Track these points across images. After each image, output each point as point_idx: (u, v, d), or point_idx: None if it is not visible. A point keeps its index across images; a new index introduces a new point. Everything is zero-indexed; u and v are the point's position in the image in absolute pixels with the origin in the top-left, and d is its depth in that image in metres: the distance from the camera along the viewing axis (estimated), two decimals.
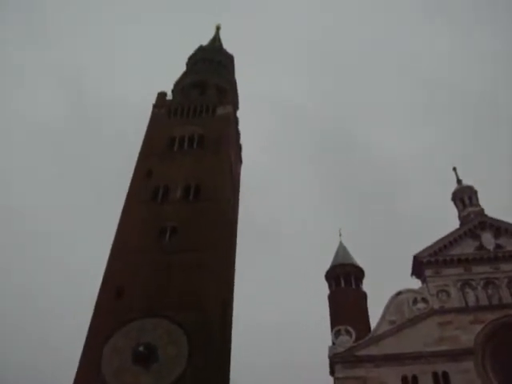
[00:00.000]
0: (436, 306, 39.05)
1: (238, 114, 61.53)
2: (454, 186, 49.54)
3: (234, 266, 49.52)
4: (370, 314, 42.01)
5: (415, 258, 41.77)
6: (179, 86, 60.86)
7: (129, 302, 38.65)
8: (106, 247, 42.96)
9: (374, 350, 37.06)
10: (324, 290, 44.42)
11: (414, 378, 35.68)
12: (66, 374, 36.88)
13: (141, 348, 35.66)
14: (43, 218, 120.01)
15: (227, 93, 58.53)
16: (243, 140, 61.62)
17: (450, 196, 49.34)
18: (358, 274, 44.10)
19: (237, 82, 65.96)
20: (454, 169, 50.64)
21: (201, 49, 67.90)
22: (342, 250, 46.40)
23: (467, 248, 41.68)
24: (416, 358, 36.24)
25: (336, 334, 38.12)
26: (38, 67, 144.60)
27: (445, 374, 35.55)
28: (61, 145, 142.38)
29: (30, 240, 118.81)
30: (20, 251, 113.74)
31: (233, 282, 48.31)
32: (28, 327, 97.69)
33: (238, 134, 59.75)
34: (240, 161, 59.77)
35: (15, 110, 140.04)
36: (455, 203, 48.52)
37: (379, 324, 38.65)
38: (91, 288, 40.78)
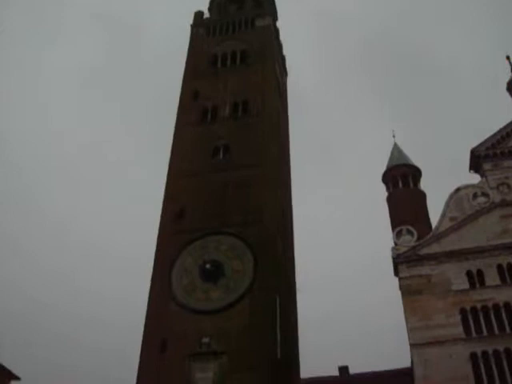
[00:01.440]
0: (497, 199, 38.67)
1: (278, 24, 59.97)
2: (508, 75, 47.80)
3: (290, 178, 49.67)
4: (429, 212, 41.95)
5: (472, 152, 41.10)
6: (215, 2, 59.49)
7: (190, 222, 39.66)
8: (163, 173, 43.73)
9: (436, 248, 37.29)
10: (382, 193, 44.44)
11: (479, 271, 35.89)
12: (140, 296, 38.65)
13: (207, 265, 36.86)
14: (100, 149, 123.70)
15: (265, 4, 56.90)
16: (286, 51, 60.36)
17: (504, 86, 47.75)
18: (415, 173, 43.69)
19: None
20: (508, 57, 48.66)
21: None
22: (396, 151, 45.87)
23: None
24: (479, 252, 36.33)
25: (397, 235, 38.41)
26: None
27: (510, 266, 35.64)
28: (105, 80, 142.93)
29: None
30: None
31: (290, 194, 48.57)
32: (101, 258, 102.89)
33: (279, 45, 58.46)
34: (285, 72, 58.78)
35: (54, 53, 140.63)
36: (510, 93, 47.00)
37: (440, 222, 38.67)
38: (154, 214, 41.86)
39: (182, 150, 43.84)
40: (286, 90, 57.01)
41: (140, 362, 34.71)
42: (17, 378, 47.19)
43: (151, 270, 38.26)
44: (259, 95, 45.66)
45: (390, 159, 45.18)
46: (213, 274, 36.64)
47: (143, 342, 35.34)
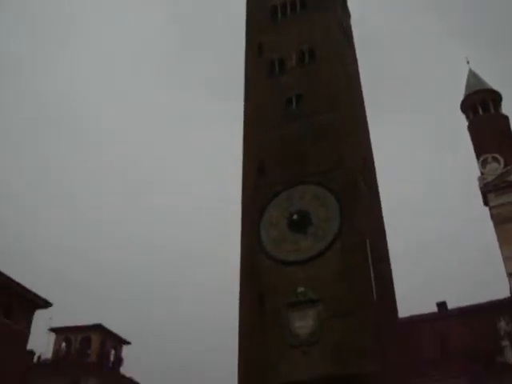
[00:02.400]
0: None
1: None
2: None
3: (365, 118, 48.85)
4: None
5: None
6: None
7: (272, 175, 40.05)
8: (238, 130, 44.11)
9: None
10: (462, 122, 43.18)
11: None
12: (232, 250, 39.68)
13: (295, 216, 37.23)
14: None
15: None
16: None
17: None
18: (495, 98, 42.02)
19: None
20: None
21: None
22: (472, 78, 44.15)
23: None
24: None
25: (483, 164, 37.34)
26: None
27: None
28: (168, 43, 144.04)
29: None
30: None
31: (368, 134, 47.88)
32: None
33: None
34: (348, 15, 57.26)
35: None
36: None
37: None
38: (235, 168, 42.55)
39: (255, 105, 44.03)
40: (351, 31, 55.68)
41: (240, 316, 35.88)
42: (128, 343, 50.09)
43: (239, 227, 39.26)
44: (324, 40, 44.81)
45: (467, 86, 43.62)
46: (300, 224, 37.00)
47: (240, 297, 36.49)
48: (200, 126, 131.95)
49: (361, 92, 50.69)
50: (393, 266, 42.17)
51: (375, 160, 47.09)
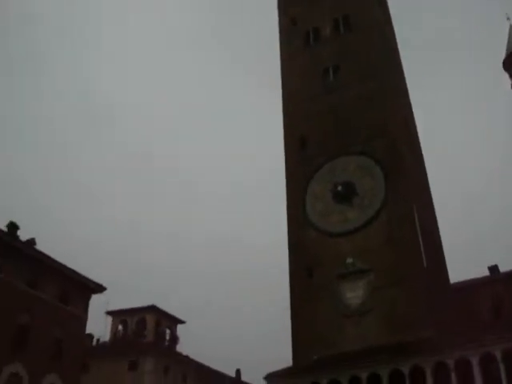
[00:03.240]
0: None
1: None
2: None
3: (405, 87, 47.87)
4: None
5: None
6: None
7: (314, 148, 39.93)
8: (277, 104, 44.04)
9: None
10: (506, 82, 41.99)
11: None
12: (279, 222, 39.92)
13: (339, 188, 37.11)
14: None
15: None
16: None
17: None
18: None
19: None
20: None
21: None
22: None
23: None
24: None
25: None
26: None
27: None
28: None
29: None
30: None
31: (409, 102, 47.03)
32: None
33: None
34: None
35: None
36: None
37: None
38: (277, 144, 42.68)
39: (292, 80, 43.69)
40: None
41: (290, 290, 36.19)
42: (182, 322, 51.09)
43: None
44: (358, 7, 44.01)
45: (509, 44, 42.22)
46: (345, 195, 36.90)
47: (290, 271, 36.72)
48: (207, 121, 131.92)
49: (398, 56, 49.64)
50: (441, 231, 41.76)
51: (417, 123, 46.35)
